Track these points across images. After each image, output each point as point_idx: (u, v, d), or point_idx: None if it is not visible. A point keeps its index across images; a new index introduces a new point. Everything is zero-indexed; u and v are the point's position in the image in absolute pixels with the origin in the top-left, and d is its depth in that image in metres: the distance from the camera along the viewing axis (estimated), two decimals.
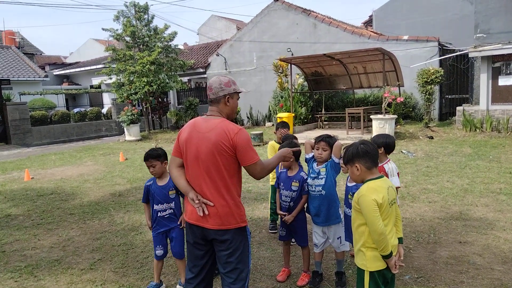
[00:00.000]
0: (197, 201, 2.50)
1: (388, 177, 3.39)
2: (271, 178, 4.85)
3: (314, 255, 3.65)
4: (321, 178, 3.44)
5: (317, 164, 3.51)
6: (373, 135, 11.42)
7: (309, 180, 3.51)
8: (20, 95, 19.49)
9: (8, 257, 4.54)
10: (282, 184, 3.68)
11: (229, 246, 2.52)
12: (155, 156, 3.51)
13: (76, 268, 4.15)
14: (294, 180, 3.58)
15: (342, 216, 3.55)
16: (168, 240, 3.62)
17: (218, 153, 2.46)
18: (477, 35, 12.10)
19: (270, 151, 4.80)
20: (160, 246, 3.58)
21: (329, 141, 3.44)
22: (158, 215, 3.53)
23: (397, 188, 3.37)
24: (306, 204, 3.62)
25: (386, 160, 3.59)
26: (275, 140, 4.86)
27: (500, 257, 3.88)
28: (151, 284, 3.64)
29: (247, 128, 16.91)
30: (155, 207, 3.52)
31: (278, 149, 3.82)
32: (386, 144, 3.61)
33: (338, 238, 3.52)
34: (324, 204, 3.45)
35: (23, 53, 25.27)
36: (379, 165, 3.43)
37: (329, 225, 3.49)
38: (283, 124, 4.77)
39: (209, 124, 2.54)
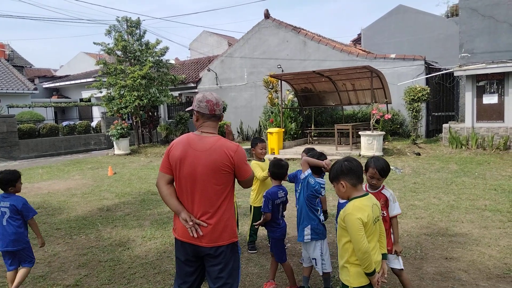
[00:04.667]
0: (190, 222, 2.48)
1: (389, 204, 3.25)
2: (253, 199, 4.67)
3: (303, 270, 3.68)
4: (297, 192, 3.60)
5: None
6: (361, 151, 11.64)
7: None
8: (8, 107, 19.31)
9: None
10: None
11: (222, 261, 2.53)
12: (15, 180, 3.78)
13: (61, 284, 4.08)
14: None
15: (306, 238, 3.48)
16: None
17: (216, 172, 2.49)
18: (462, 54, 12.45)
19: (257, 170, 4.51)
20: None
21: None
22: None
23: (398, 215, 3.28)
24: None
25: (381, 185, 3.34)
26: (253, 159, 4.66)
27: (485, 273, 3.94)
28: None
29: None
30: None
31: (270, 165, 3.89)
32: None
33: (313, 259, 3.51)
34: (298, 217, 3.59)
35: (13, 65, 25.13)
36: (377, 190, 3.26)
37: (299, 240, 3.59)
38: (261, 139, 4.63)
39: (205, 142, 2.55)
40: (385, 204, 3.25)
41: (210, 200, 2.50)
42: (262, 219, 3.72)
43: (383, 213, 3.17)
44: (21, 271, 3.77)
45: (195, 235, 2.47)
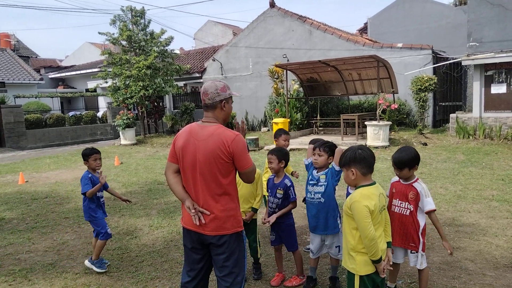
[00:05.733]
0: (193, 210, 2.51)
1: (420, 199, 3.03)
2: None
3: (309, 261, 3.67)
4: (321, 186, 3.42)
5: (317, 171, 3.49)
6: (367, 141, 11.59)
7: (308, 187, 3.51)
8: (15, 98, 19.42)
9: (2, 261, 4.52)
10: (269, 190, 3.74)
11: (226, 250, 2.55)
12: (98, 151, 4.27)
13: (70, 272, 4.14)
14: (279, 188, 3.64)
15: (340, 226, 3.46)
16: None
17: (215, 160, 2.48)
18: (470, 43, 12.28)
19: None
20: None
21: (325, 147, 3.43)
22: (101, 201, 4.23)
23: (433, 210, 3.04)
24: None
25: (414, 178, 3.13)
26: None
27: (491, 263, 3.93)
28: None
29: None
30: (98, 194, 4.17)
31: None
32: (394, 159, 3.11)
33: (336, 247, 3.49)
34: (322, 212, 3.42)
35: (19, 56, 25.18)
36: (408, 183, 3.11)
37: (327, 234, 3.48)
38: (285, 131, 4.66)
39: (205, 131, 2.55)
40: (415, 198, 3.03)
41: (212, 189, 2.51)
42: (288, 207, 3.62)
43: (409, 208, 3.07)
44: (96, 242, 4.18)
45: (197, 223, 2.50)
